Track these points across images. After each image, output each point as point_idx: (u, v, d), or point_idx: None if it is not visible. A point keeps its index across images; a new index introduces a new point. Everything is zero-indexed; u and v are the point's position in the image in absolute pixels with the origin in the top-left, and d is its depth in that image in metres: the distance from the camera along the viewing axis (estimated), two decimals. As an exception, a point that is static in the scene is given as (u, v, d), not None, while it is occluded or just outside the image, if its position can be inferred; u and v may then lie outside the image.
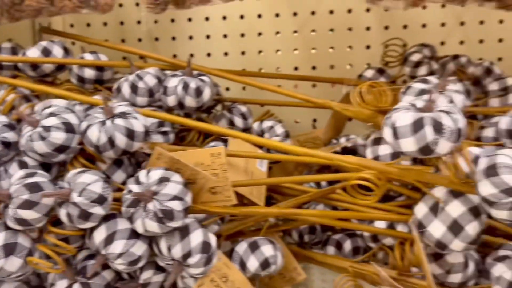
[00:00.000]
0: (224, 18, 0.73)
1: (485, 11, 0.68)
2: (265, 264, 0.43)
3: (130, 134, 0.39)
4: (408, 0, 0.48)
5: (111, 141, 0.38)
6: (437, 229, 0.37)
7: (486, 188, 0.33)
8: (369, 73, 0.61)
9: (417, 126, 0.33)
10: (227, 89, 0.73)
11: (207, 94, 0.48)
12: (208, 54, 0.75)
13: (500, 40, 0.69)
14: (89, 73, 0.51)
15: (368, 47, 0.71)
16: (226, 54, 0.74)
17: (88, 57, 0.51)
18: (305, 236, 0.56)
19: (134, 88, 0.48)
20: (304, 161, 0.42)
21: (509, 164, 0.32)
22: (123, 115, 0.39)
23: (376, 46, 0.69)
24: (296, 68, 0.74)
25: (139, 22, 0.75)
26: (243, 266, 0.43)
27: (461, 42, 0.70)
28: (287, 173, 0.58)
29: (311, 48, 0.73)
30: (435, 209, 0.37)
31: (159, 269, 0.40)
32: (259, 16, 0.72)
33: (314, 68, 0.74)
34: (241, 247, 0.43)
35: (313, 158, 0.39)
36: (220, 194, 0.40)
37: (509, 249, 0.38)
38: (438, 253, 0.40)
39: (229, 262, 0.42)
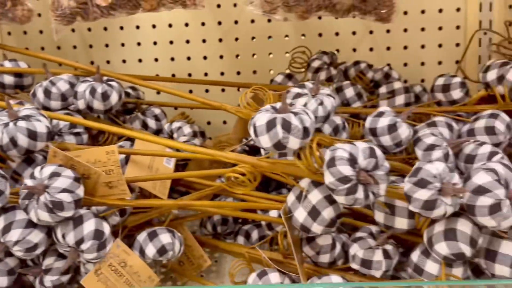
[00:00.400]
0: (154, 26, 0.78)
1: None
2: (162, 250, 0.48)
3: (32, 135, 0.43)
4: (297, 14, 0.54)
5: (13, 142, 0.43)
6: (300, 214, 0.42)
7: (327, 178, 0.38)
8: (279, 78, 0.67)
9: (270, 125, 0.39)
10: (158, 92, 0.78)
11: (114, 98, 0.52)
12: (140, 60, 0.79)
13: (405, 47, 0.76)
14: (8, 79, 0.55)
15: (287, 53, 0.77)
16: (156, 60, 0.79)
17: (7, 64, 0.55)
18: (218, 227, 0.61)
19: (47, 93, 0.53)
20: (190, 157, 0.46)
21: (344, 157, 0.38)
22: (26, 117, 0.44)
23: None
24: (222, 74, 0.79)
25: (73, 30, 0.79)
26: (142, 252, 0.48)
27: (371, 49, 0.77)
28: (202, 169, 0.63)
29: (235, 55, 0.78)
30: (300, 197, 0.43)
31: (60, 256, 0.44)
32: (186, 24, 0.77)
33: (238, 73, 0.79)
34: (142, 236, 0.48)
35: (198, 155, 0.45)
36: (116, 188, 0.45)
37: (364, 231, 0.44)
38: (310, 236, 0.46)
39: (128, 249, 0.47)
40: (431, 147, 0.45)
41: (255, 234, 0.60)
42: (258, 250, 0.48)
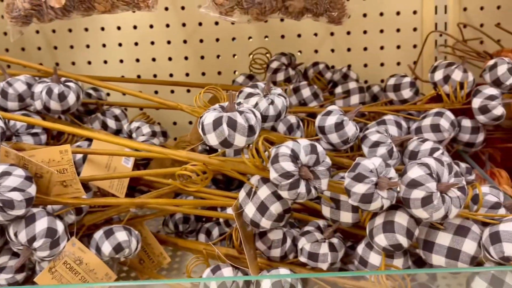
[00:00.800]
0: (119, 28, 0.78)
1: (351, 22, 0.77)
2: (118, 248, 0.49)
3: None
4: (253, 16, 0.56)
5: (-35, 142, 0.43)
6: (250, 210, 0.44)
7: (272, 173, 0.40)
8: (240, 79, 0.69)
9: (217, 123, 0.40)
10: (124, 94, 0.78)
11: (72, 98, 0.53)
12: (105, 62, 0.80)
13: (365, 49, 0.78)
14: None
15: (250, 54, 0.79)
16: (121, 61, 0.80)
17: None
18: (179, 225, 0.63)
19: (4, 94, 0.53)
20: (144, 156, 0.47)
21: (287, 153, 0.39)
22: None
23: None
24: (187, 74, 0.81)
25: (37, 31, 0.79)
26: (98, 250, 0.49)
27: (332, 50, 0.79)
28: (164, 168, 0.64)
29: (200, 56, 0.80)
30: (250, 193, 0.44)
31: (15, 254, 0.45)
32: (151, 26, 0.78)
33: (203, 74, 0.81)
34: (98, 234, 0.49)
35: (151, 154, 0.46)
36: (70, 187, 0.46)
37: (312, 225, 0.46)
38: (262, 231, 0.47)
39: (84, 246, 0.48)
40: (376, 144, 0.47)
41: (216, 232, 0.61)
42: (212, 247, 0.50)
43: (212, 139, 0.41)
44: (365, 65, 0.79)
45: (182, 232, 0.64)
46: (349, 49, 0.79)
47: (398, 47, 0.78)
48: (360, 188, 0.38)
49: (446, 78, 0.55)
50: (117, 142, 0.45)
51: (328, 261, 0.44)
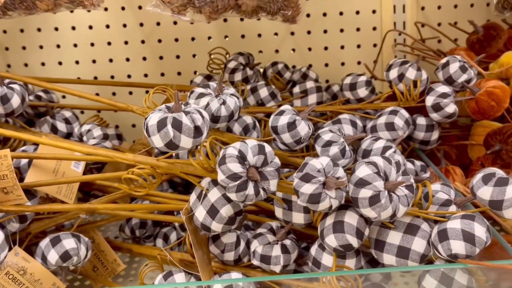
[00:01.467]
0: (73, 28, 0.76)
1: (311, 22, 0.77)
2: (65, 256, 0.47)
3: None
4: (205, 14, 0.55)
5: None
6: (200, 213, 0.43)
7: (219, 175, 0.39)
8: (198, 79, 0.67)
9: (161, 125, 0.39)
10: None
11: (16, 101, 0.51)
12: (60, 63, 0.77)
13: (326, 48, 0.78)
14: None
15: (210, 55, 0.77)
16: (77, 62, 0.77)
17: None
18: (136, 231, 0.61)
19: None
20: (90, 160, 0.46)
21: (234, 154, 0.38)
22: None
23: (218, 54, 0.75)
24: (146, 75, 0.79)
25: (-13, 32, 0.76)
26: (44, 259, 0.46)
27: (293, 50, 0.78)
28: (120, 172, 0.62)
29: (159, 56, 0.78)
30: (200, 196, 0.43)
31: (-49, 266, 0.42)
32: (107, 26, 0.76)
33: (162, 75, 0.79)
34: (44, 242, 0.47)
35: (96, 157, 0.44)
36: (11, 193, 0.44)
37: (265, 227, 0.45)
38: (215, 235, 0.46)
39: (28, 256, 0.46)
40: (328, 143, 0.46)
41: (173, 236, 0.59)
42: (165, 252, 0.48)
43: (157, 141, 0.39)
44: (326, 65, 0.79)
45: (139, 238, 0.62)
46: (309, 49, 0.78)
47: (358, 46, 0.78)
48: (307, 189, 0.38)
49: (401, 77, 0.55)
50: (60, 146, 0.44)
51: (281, 263, 0.43)
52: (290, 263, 0.43)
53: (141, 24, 0.76)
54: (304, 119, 0.48)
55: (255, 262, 0.44)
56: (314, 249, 0.43)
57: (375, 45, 0.78)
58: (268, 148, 0.39)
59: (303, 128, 0.47)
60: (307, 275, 0.42)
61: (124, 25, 0.76)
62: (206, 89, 0.48)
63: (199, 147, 0.41)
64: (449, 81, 0.54)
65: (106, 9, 0.75)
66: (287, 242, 0.44)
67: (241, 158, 0.38)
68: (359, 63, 0.79)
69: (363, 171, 0.38)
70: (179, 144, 0.39)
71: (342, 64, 0.79)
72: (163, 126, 0.39)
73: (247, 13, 0.54)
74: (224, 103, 0.47)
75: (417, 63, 0.56)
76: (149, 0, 0.76)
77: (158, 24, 0.76)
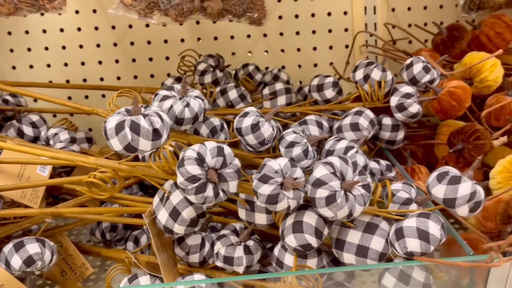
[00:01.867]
0: (44, 31, 0.75)
1: (284, 24, 0.78)
2: (29, 261, 0.46)
3: None
4: (172, 17, 0.55)
5: None
6: (162, 216, 0.43)
7: (178, 178, 0.39)
8: (169, 81, 0.67)
9: (119, 128, 0.39)
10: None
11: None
12: (31, 66, 0.77)
13: (298, 49, 0.79)
14: None
15: (184, 57, 0.77)
16: (48, 66, 0.77)
17: None
18: (106, 234, 0.61)
19: None
20: (51, 164, 0.45)
21: (192, 157, 0.38)
22: None
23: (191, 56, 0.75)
24: (119, 78, 0.78)
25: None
26: (8, 264, 0.46)
27: (266, 51, 0.79)
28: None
29: (132, 59, 0.78)
30: (163, 198, 0.43)
31: None
32: (79, 29, 0.76)
33: (135, 77, 0.79)
34: (7, 247, 0.47)
35: (58, 161, 0.44)
36: (-29, 198, 0.43)
37: (228, 228, 0.45)
38: (180, 237, 0.46)
39: (-10, 262, 0.45)
40: (291, 144, 0.47)
41: (144, 239, 0.59)
42: (130, 255, 0.48)
43: (116, 144, 0.39)
44: (299, 66, 0.79)
45: (110, 241, 0.62)
46: (282, 50, 0.79)
47: (331, 47, 0.79)
48: (265, 189, 0.38)
49: (366, 78, 0.56)
50: (22, 150, 0.43)
51: (244, 264, 0.43)
52: (253, 264, 0.44)
53: (113, 27, 0.76)
54: (269, 121, 0.48)
55: (219, 263, 0.44)
56: (277, 250, 0.43)
57: (347, 46, 0.79)
58: (227, 150, 0.39)
59: (267, 130, 0.47)
60: (267, 275, 0.42)
61: (96, 28, 0.76)
62: (170, 92, 0.48)
63: (160, 149, 0.41)
64: (413, 81, 0.55)
65: (77, 11, 0.74)
66: (250, 243, 0.44)
67: (200, 160, 0.38)
68: (331, 64, 0.79)
69: (320, 171, 0.38)
70: (138, 147, 0.39)
71: (315, 65, 0.79)
72: (121, 129, 0.39)
73: (212, 15, 0.54)
74: (188, 105, 0.47)
75: (383, 64, 0.57)
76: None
77: (130, 26, 0.76)
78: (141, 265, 0.49)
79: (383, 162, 0.53)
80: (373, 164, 0.52)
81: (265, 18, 0.55)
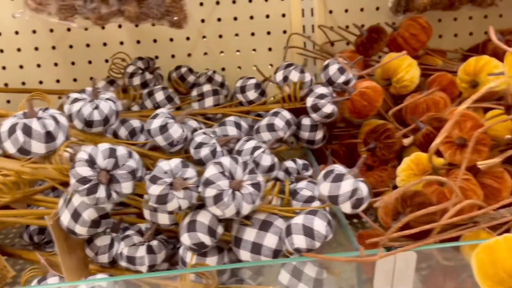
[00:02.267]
0: (-20, 35, 0.75)
1: (223, 26, 0.79)
2: None
3: None
4: (92, 21, 0.55)
5: None
6: (65, 217, 0.43)
7: (71, 179, 0.39)
8: (101, 84, 0.68)
9: (11, 131, 0.39)
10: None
11: None
12: (-32, 70, 0.77)
13: (238, 51, 0.80)
14: None
15: (124, 60, 0.78)
16: (-14, 69, 0.77)
17: None
18: (34, 237, 0.61)
19: None
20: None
21: (83, 158, 0.39)
22: None
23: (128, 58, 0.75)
24: (58, 81, 0.79)
25: None
26: None
27: (205, 53, 0.80)
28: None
29: (71, 62, 0.78)
30: (66, 200, 0.44)
31: None
32: (17, 32, 0.76)
33: (75, 80, 0.79)
34: None
35: (-38, 164, 0.44)
36: None
37: (133, 229, 0.46)
38: (90, 238, 0.47)
39: None
40: (200, 145, 0.48)
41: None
42: (38, 256, 0.48)
43: (9, 147, 0.40)
44: (239, 67, 0.80)
45: (38, 244, 0.62)
46: (222, 52, 0.80)
47: (270, 49, 0.80)
48: (155, 190, 0.39)
49: (285, 79, 0.57)
50: None
51: (146, 263, 0.44)
52: (157, 263, 0.44)
53: (51, 30, 0.76)
54: (179, 122, 0.49)
55: (122, 263, 0.44)
56: (181, 249, 0.44)
57: (286, 48, 0.80)
58: (120, 151, 0.40)
59: (176, 131, 0.48)
60: (162, 273, 0.42)
61: (34, 31, 0.76)
62: (81, 94, 0.49)
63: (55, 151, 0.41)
64: (330, 82, 0.56)
65: (49, 13, 0.74)
66: (154, 242, 0.45)
67: (91, 162, 0.39)
68: (271, 65, 0.80)
69: (210, 171, 0.39)
70: (30, 149, 0.40)
71: (255, 66, 0.80)
72: (13, 132, 0.39)
73: (131, 18, 0.55)
74: (97, 107, 0.48)
75: (304, 65, 0.58)
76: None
77: (68, 30, 0.76)
78: (54, 266, 0.50)
79: (300, 162, 0.54)
80: (289, 164, 0.54)
81: (186, 21, 0.56)
